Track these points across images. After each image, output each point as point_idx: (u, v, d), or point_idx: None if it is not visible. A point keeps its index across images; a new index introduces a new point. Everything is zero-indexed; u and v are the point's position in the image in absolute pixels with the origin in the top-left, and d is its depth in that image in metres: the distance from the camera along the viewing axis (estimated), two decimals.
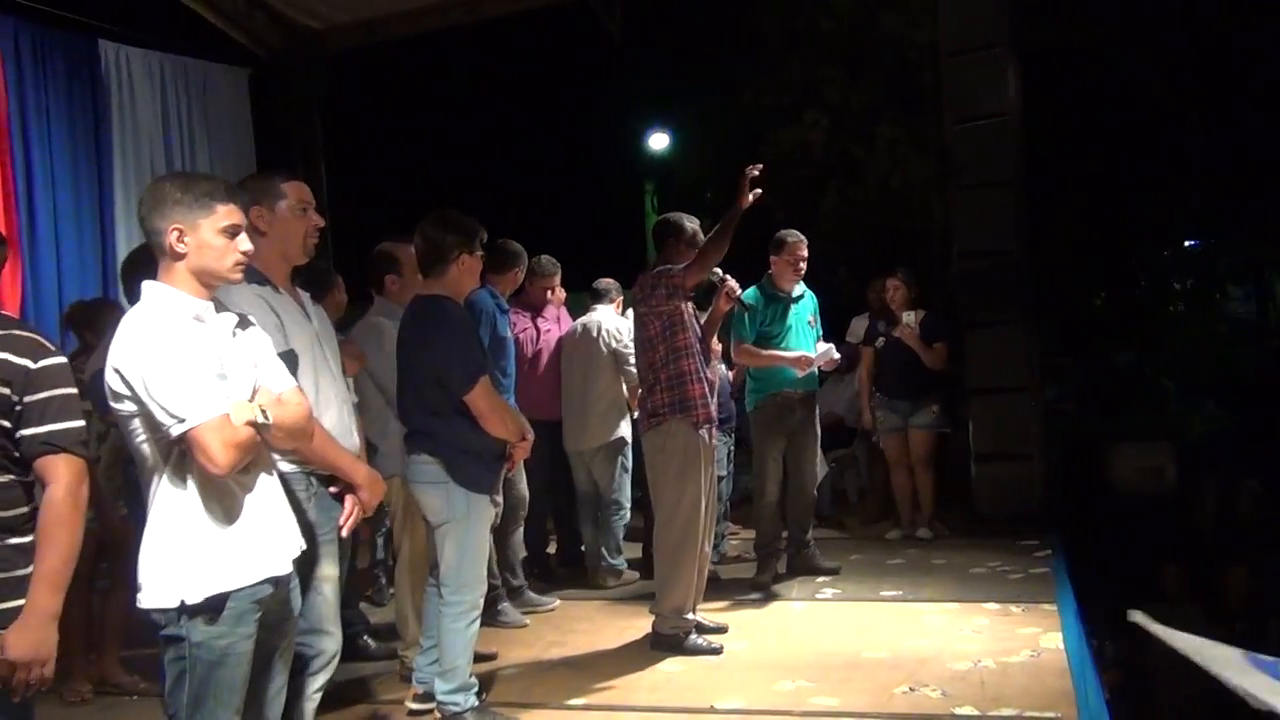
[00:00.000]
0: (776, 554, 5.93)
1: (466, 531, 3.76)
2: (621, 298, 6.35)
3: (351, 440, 3.22)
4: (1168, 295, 10.95)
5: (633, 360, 5.82)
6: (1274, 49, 8.87)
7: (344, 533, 3.08)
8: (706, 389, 4.73)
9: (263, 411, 2.48)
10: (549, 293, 6.23)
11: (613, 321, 6.15)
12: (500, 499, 3.95)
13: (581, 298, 6.53)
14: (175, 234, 2.48)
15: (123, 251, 6.69)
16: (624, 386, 6.03)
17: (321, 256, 4.08)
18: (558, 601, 5.71)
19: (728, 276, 5.00)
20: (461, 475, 3.72)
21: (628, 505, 6.23)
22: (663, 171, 13.17)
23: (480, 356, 3.85)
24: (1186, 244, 11.07)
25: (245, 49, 8.49)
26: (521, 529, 5.60)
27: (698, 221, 4.92)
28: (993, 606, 5.15)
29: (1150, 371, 10.84)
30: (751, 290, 5.75)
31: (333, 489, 3.08)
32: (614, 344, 6.05)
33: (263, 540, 2.56)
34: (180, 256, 2.50)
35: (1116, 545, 7.62)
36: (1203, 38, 9.12)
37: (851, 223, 9.97)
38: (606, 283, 6.36)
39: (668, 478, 4.69)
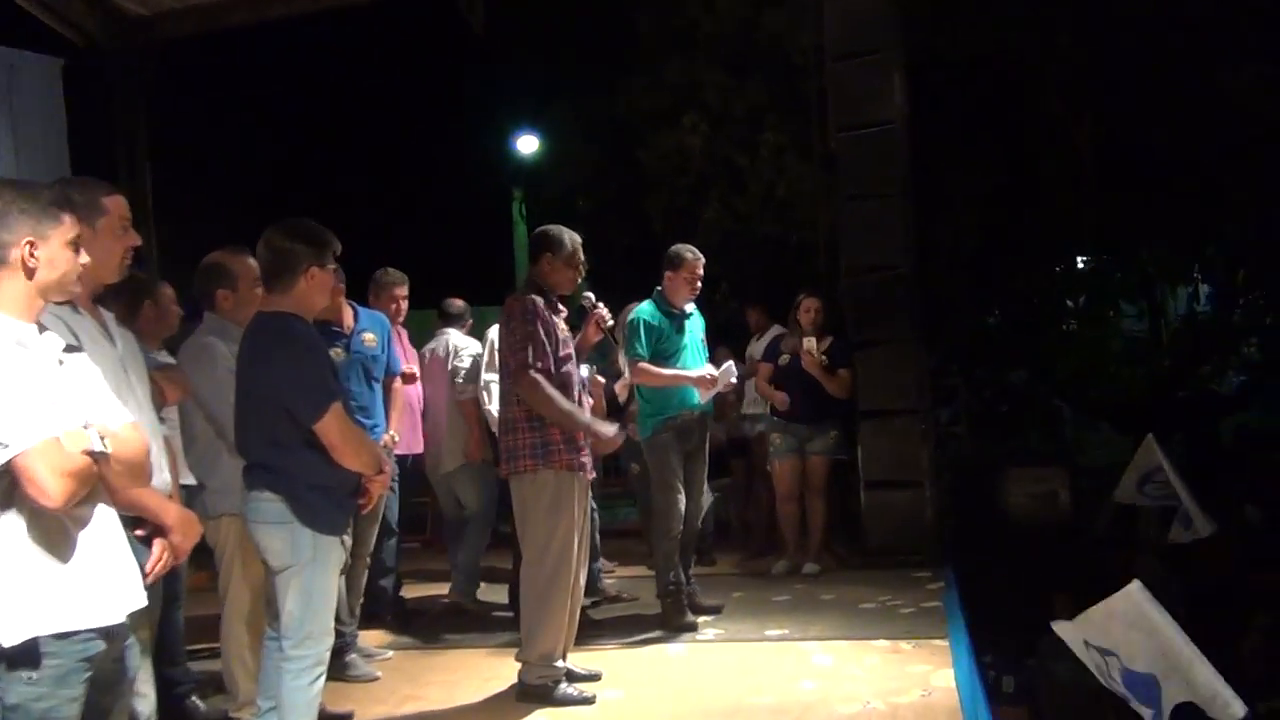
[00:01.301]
0: (684, 591, 5.91)
1: (312, 577, 3.64)
2: (470, 321, 6.73)
3: (161, 477, 3.16)
4: (1061, 313, 11.36)
5: (461, 375, 6.33)
6: (1168, 63, 9.33)
7: (149, 580, 2.99)
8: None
9: (100, 439, 2.44)
10: (400, 304, 6.17)
11: (458, 341, 6.49)
12: (350, 540, 3.87)
13: (431, 315, 6.73)
14: (28, 247, 2.48)
15: None
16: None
17: (138, 265, 3.93)
18: (391, 653, 5.63)
19: (599, 304, 5.00)
20: (308, 514, 3.62)
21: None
22: (531, 177, 13.19)
23: (332, 381, 3.76)
24: (1079, 260, 11.53)
25: (60, 36, 8.21)
26: (366, 572, 5.52)
27: (579, 239, 4.89)
28: (883, 644, 5.26)
29: (1044, 392, 11.25)
30: (647, 305, 5.82)
31: (139, 531, 2.98)
32: (454, 362, 6.40)
33: (93, 586, 2.49)
34: (30, 272, 2.49)
35: (1010, 574, 7.84)
36: (1096, 50, 9.55)
37: (734, 234, 10.15)
38: (459, 306, 6.71)
39: (538, 513, 4.64)
